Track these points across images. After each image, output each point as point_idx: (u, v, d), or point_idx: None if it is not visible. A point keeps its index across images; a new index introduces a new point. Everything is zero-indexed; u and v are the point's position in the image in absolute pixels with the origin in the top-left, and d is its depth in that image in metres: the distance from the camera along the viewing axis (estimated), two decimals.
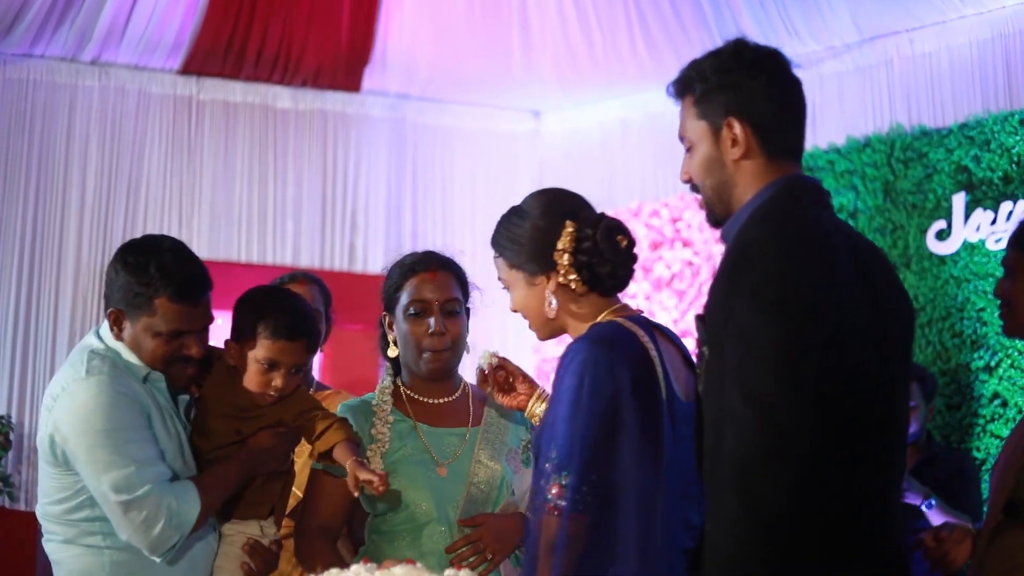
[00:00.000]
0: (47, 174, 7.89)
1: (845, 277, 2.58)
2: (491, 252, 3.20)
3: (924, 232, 6.92)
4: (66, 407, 3.12)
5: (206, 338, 3.31)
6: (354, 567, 2.59)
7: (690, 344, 3.03)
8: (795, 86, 2.80)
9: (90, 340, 3.26)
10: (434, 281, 3.64)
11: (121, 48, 7.86)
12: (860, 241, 2.76)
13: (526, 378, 3.49)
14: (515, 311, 3.17)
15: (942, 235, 6.85)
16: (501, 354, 3.53)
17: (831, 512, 2.48)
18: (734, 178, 2.73)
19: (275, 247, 8.40)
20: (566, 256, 3.01)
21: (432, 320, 3.60)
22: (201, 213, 8.27)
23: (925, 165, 6.97)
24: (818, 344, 2.47)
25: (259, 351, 3.40)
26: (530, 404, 3.42)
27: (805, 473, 2.42)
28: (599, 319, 3.03)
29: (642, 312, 3.10)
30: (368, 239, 8.54)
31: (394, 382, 3.74)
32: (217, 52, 8.04)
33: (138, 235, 7.63)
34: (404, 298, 3.66)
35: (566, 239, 3.02)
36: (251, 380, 3.42)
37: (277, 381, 3.41)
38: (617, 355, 2.84)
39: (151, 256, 3.19)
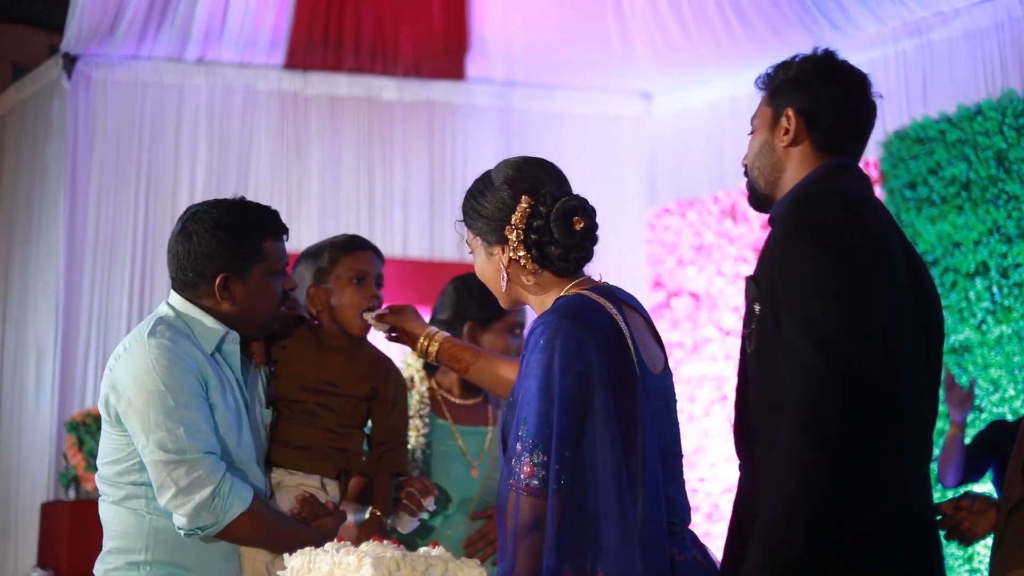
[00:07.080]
0: (157, 173, 8.07)
1: (896, 248, 2.78)
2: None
3: None
4: (125, 366, 3.19)
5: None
6: (327, 545, 2.58)
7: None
8: (863, 103, 3.04)
9: (161, 308, 3.32)
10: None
11: (223, 46, 7.99)
12: (902, 233, 2.93)
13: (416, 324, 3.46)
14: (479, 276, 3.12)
15: None
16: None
17: (890, 448, 2.64)
18: (783, 162, 3.03)
19: (385, 239, 8.47)
20: (515, 232, 2.92)
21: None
22: (310, 207, 8.38)
23: None
24: (880, 288, 2.68)
25: (342, 270, 3.48)
26: (420, 341, 3.39)
27: (871, 410, 2.60)
28: (563, 292, 2.94)
29: (606, 282, 2.99)
30: None
31: (429, 387, 4.00)
32: (316, 44, 8.13)
33: None
34: None
35: (519, 215, 2.93)
36: (349, 303, 3.47)
37: (371, 291, 3.49)
38: (587, 330, 2.75)
39: (236, 211, 3.27)
